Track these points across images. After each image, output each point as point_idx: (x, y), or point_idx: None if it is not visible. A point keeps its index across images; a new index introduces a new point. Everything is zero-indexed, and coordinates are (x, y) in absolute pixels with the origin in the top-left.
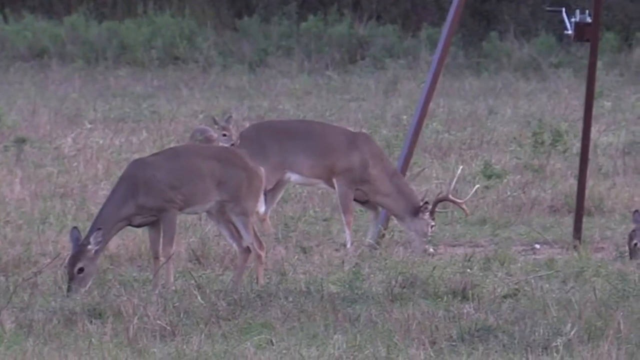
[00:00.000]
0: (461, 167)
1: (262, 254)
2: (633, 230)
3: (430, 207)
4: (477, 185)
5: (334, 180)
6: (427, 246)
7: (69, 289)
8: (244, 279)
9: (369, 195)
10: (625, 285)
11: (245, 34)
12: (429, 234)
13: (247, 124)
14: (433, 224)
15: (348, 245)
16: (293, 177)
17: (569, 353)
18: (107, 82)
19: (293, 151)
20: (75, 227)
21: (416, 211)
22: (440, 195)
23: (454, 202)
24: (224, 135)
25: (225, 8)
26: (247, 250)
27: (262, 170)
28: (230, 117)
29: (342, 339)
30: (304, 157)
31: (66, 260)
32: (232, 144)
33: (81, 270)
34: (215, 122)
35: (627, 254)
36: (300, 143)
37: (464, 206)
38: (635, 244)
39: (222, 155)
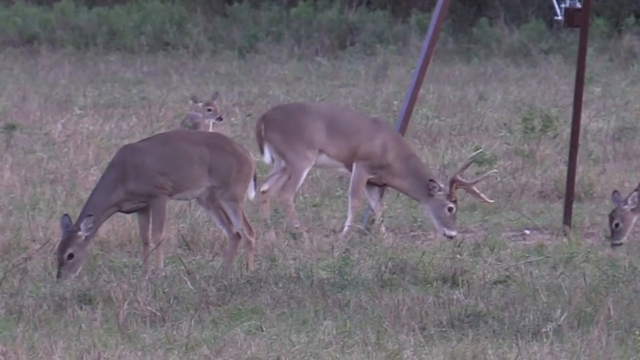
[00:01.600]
0: (479, 150)
1: (252, 239)
2: (614, 211)
3: (436, 185)
4: (491, 200)
5: (354, 164)
6: (448, 230)
7: (58, 275)
8: (234, 264)
9: (386, 179)
10: (615, 271)
11: (235, 19)
12: (447, 215)
13: (237, 110)
14: (451, 205)
15: (346, 228)
16: (319, 158)
17: (559, 339)
18: (97, 68)
19: (323, 132)
20: (66, 214)
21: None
22: (455, 177)
23: (463, 184)
24: (209, 110)
25: None
26: (237, 236)
27: (251, 156)
28: (217, 93)
29: (332, 324)
30: (332, 139)
31: (56, 246)
32: (219, 118)
33: (71, 256)
34: (195, 101)
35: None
36: (329, 125)
37: (474, 188)
38: (617, 224)
39: (211, 141)
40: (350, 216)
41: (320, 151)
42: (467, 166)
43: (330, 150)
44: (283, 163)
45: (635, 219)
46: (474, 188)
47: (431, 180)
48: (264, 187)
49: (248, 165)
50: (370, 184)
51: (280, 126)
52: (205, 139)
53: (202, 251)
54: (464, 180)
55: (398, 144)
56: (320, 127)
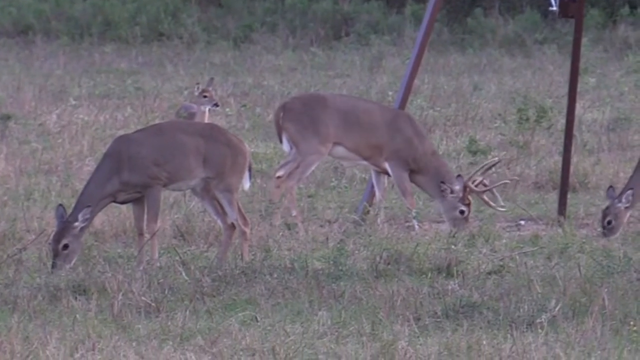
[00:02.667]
0: (497, 158)
1: (247, 230)
2: (607, 207)
3: (447, 188)
4: (503, 208)
5: (387, 165)
6: (458, 232)
7: (53, 266)
8: (228, 255)
9: None
10: (610, 262)
11: (230, 10)
12: (459, 217)
13: (232, 100)
14: (463, 208)
15: (416, 227)
16: (336, 149)
17: (554, 329)
18: (92, 59)
19: (340, 125)
20: (60, 205)
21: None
22: (467, 184)
23: (474, 192)
24: (205, 96)
25: None
26: (232, 226)
27: (246, 146)
28: (212, 79)
29: (327, 315)
30: (349, 132)
31: (51, 237)
32: (215, 104)
33: (66, 246)
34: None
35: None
36: (346, 118)
37: (484, 196)
38: (609, 222)
39: (206, 131)
40: (413, 214)
41: (337, 144)
42: (484, 172)
43: (348, 144)
44: None
45: (627, 215)
46: (484, 196)
47: (442, 183)
48: (279, 173)
49: (243, 155)
50: (379, 172)
51: (297, 117)
52: (200, 130)
53: (196, 242)
54: (475, 187)
55: (421, 139)
56: (337, 120)
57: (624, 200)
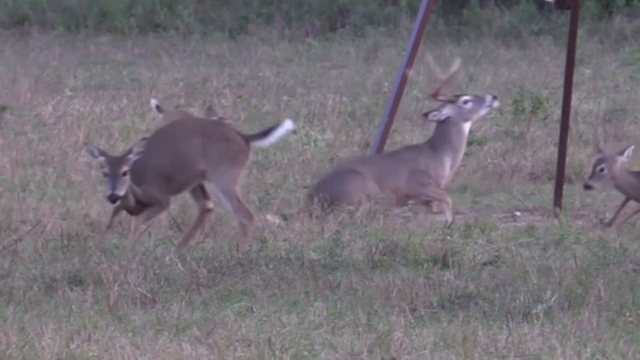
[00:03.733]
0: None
1: (249, 224)
2: (603, 156)
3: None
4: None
5: None
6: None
7: (113, 188)
8: (191, 243)
9: None
10: (606, 253)
11: (226, 1)
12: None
13: (227, 92)
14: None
15: (412, 219)
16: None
17: (549, 320)
18: (88, 50)
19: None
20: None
21: None
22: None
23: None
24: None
25: None
26: (208, 212)
27: (248, 142)
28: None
29: (323, 306)
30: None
31: (106, 161)
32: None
33: (125, 173)
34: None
35: (605, 219)
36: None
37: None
38: (602, 169)
39: (207, 128)
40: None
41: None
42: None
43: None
44: None
45: (623, 172)
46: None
47: None
48: None
49: (244, 153)
50: None
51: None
52: (202, 127)
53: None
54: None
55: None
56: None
57: (625, 154)
